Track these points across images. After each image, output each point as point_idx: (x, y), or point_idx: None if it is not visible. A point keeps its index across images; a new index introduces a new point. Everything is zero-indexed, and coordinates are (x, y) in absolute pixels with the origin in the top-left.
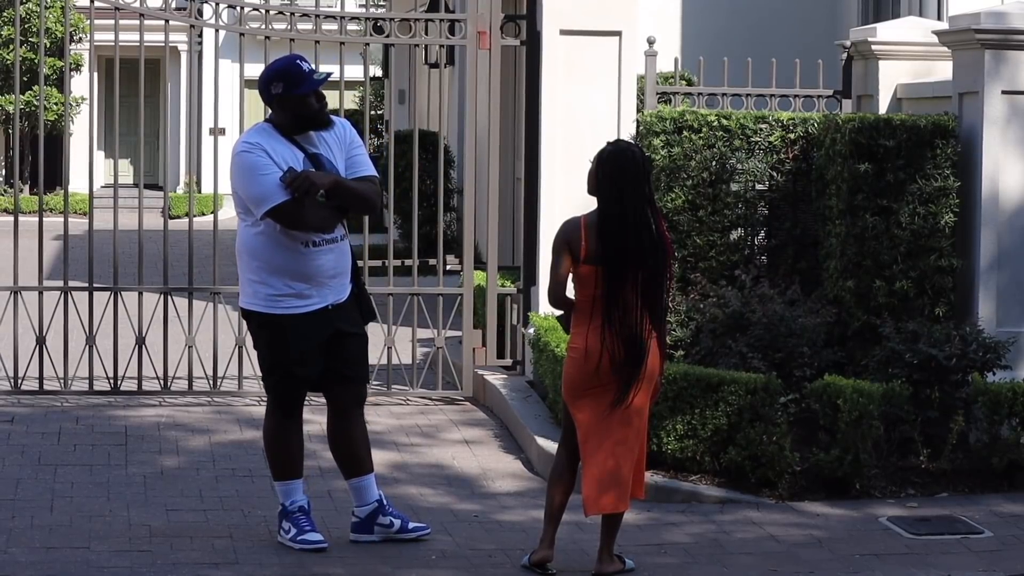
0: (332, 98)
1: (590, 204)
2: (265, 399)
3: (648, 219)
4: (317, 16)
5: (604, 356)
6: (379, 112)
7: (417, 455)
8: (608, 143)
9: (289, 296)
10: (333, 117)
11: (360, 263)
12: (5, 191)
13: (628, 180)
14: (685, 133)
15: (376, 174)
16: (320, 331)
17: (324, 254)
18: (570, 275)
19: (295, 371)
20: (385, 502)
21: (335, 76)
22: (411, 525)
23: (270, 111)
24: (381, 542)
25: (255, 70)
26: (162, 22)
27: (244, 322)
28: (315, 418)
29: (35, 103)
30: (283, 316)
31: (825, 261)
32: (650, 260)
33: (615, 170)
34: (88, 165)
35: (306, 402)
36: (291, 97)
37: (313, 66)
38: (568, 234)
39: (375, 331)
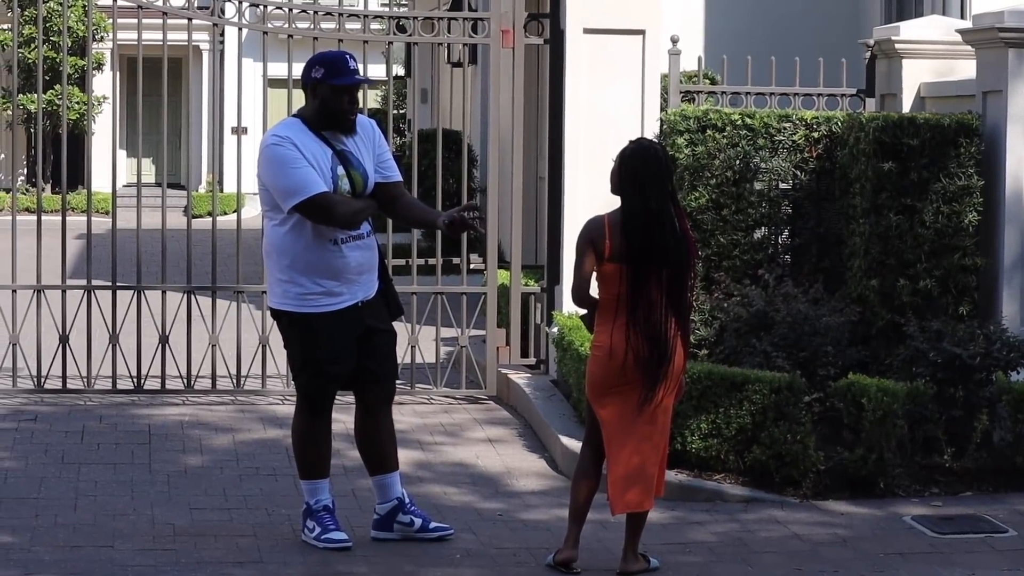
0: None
1: (614, 203)
2: (289, 398)
3: (671, 217)
4: (340, 15)
5: (629, 354)
6: (402, 111)
7: (441, 454)
8: (630, 142)
9: (320, 294)
10: (359, 116)
11: (384, 262)
12: (28, 190)
13: (650, 178)
14: (709, 132)
15: (401, 178)
16: (352, 328)
17: (353, 251)
18: (594, 274)
19: (328, 369)
20: (407, 500)
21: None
22: (432, 525)
23: (300, 106)
24: (405, 540)
25: (278, 69)
26: (185, 21)
27: (268, 321)
28: (339, 416)
29: (57, 102)
30: (314, 315)
31: (849, 260)
32: (673, 258)
33: (637, 168)
34: (111, 164)
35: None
36: (326, 85)
37: (357, 68)
38: (591, 233)
39: (399, 330)
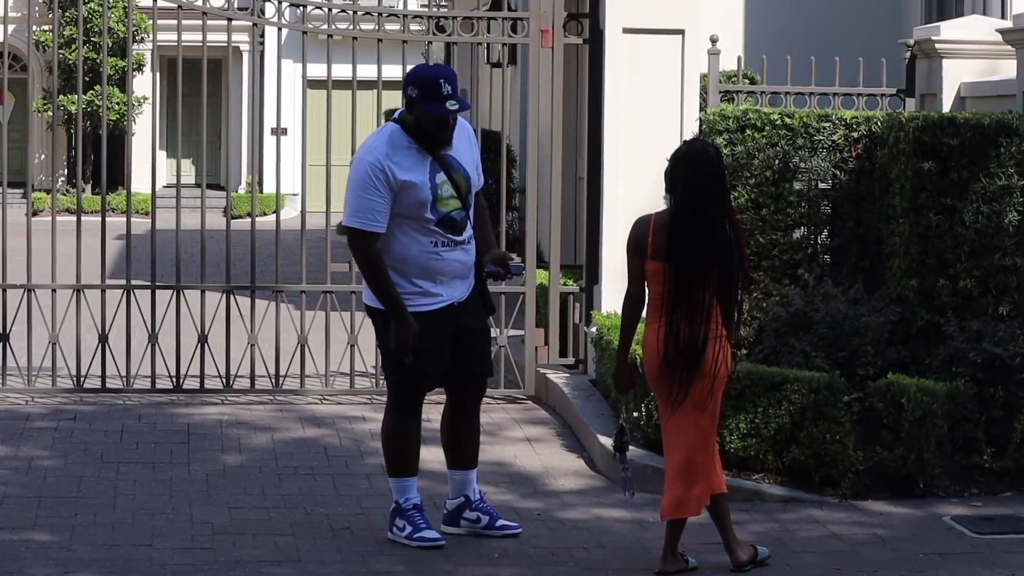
0: (395, 97)
1: (652, 202)
2: (328, 398)
3: (720, 218)
4: (380, 15)
5: (665, 353)
6: None
7: (480, 453)
8: (684, 142)
9: (416, 294)
10: (460, 119)
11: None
12: (68, 191)
13: (701, 179)
14: (748, 132)
15: (481, 185)
16: (446, 328)
17: (450, 253)
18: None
19: (424, 368)
20: (475, 498)
21: (398, 76)
22: (500, 523)
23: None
24: (457, 537)
25: (317, 70)
26: (224, 21)
27: (307, 320)
28: (375, 415)
29: (97, 103)
30: (411, 314)
31: (889, 260)
32: (721, 260)
33: (688, 169)
34: (150, 165)
35: (368, 399)
36: (419, 110)
37: (454, 90)
38: (637, 231)
39: None
